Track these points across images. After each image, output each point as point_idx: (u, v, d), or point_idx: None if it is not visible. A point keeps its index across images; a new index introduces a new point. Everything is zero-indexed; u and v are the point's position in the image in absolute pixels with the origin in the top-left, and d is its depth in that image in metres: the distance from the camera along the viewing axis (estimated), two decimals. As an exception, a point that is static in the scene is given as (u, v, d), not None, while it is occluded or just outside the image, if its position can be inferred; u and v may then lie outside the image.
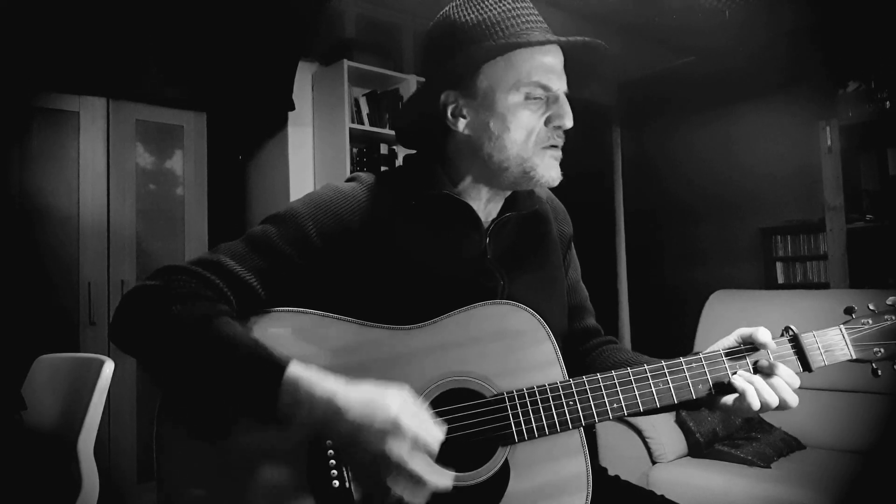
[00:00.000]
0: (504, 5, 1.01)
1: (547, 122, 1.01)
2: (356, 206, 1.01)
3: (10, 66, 2.81)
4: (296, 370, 0.84)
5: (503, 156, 1.01)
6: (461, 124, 1.04)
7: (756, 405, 0.95)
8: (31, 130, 3.01)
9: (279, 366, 0.84)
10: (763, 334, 0.99)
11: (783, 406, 0.97)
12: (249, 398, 0.85)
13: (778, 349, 1.01)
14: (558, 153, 1.03)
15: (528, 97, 0.99)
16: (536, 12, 1.03)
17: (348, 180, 1.07)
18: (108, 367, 1.75)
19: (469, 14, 1.02)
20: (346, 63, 3.60)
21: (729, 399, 0.98)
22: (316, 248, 0.98)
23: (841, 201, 3.56)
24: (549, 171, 1.02)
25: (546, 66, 0.99)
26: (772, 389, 0.97)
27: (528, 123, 1.00)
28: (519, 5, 1.02)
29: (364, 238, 1.00)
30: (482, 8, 1.02)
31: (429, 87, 1.05)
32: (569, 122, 1.01)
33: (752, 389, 0.96)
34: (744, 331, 1.02)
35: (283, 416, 0.83)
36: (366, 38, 3.84)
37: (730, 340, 1.02)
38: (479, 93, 1.01)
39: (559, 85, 1.01)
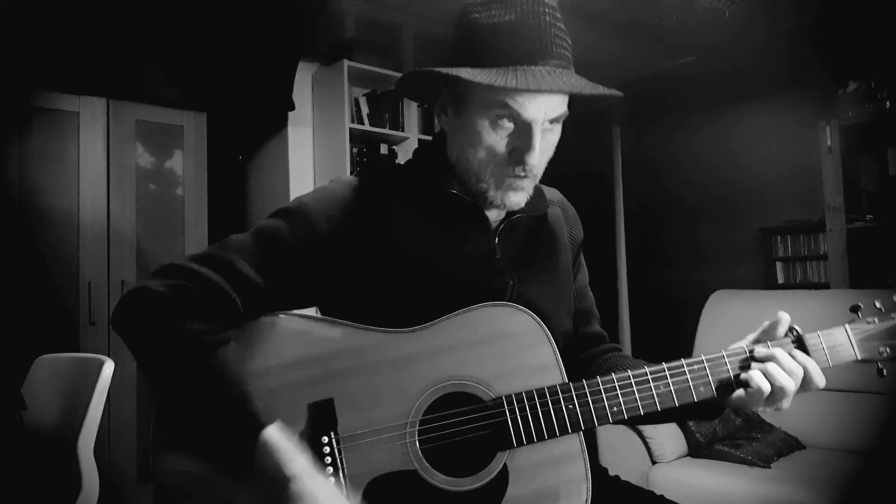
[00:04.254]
0: (511, 16, 0.92)
1: (511, 153, 0.95)
2: (365, 200, 1.00)
3: (10, 66, 2.81)
4: (272, 436, 0.85)
5: (464, 167, 1.00)
6: (443, 121, 1.04)
7: (766, 387, 0.93)
8: (31, 130, 3.01)
9: (257, 427, 0.85)
10: (782, 314, 0.99)
11: (781, 391, 0.94)
12: (224, 442, 0.86)
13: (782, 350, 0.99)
14: (519, 183, 0.97)
15: (495, 122, 0.94)
16: (552, 31, 0.93)
17: (358, 175, 1.05)
18: (108, 367, 1.75)
19: (476, 14, 0.95)
20: (346, 63, 3.61)
21: (739, 390, 0.96)
22: (325, 243, 0.97)
23: (841, 201, 3.56)
24: (504, 196, 0.98)
25: (522, 94, 0.91)
26: (782, 370, 0.94)
27: (490, 147, 0.95)
28: (529, 22, 0.92)
29: (373, 233, 0.98)
30: (490, 13, 0.94)
31: (430, 74, 0.98)
32: (531, 159, 0.94)
33: (759, 374, 0.94)
34: (766, 323, 1.01)
35: (251, 470, 0.85)
36: (366, 38, 3.84)
37: (746, 340, 1.01)
38: (461, 99, 0.98)
39: (533, 115, 0.92)
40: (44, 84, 2.99)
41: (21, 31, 2.81)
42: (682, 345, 2.97)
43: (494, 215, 1.06)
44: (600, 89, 0.93)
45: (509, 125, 0.94)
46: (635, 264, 4.90)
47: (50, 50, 2.89)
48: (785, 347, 0.98)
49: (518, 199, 0.99)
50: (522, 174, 0.97)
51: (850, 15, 3.63)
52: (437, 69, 0.94)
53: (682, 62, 4.40)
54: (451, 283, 0.99)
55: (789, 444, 2.41)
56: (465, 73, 0.91)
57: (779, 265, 4.16)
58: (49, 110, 3.05)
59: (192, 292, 0.90)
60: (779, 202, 4.14)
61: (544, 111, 0.93)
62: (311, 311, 0.99)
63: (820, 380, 0.96)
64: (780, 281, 4.14)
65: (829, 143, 3.58)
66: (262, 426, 0.84)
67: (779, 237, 4.15)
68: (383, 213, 1.00)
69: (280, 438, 0.85)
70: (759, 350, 0.97)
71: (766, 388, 0.93)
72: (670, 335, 3.67)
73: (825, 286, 3.78)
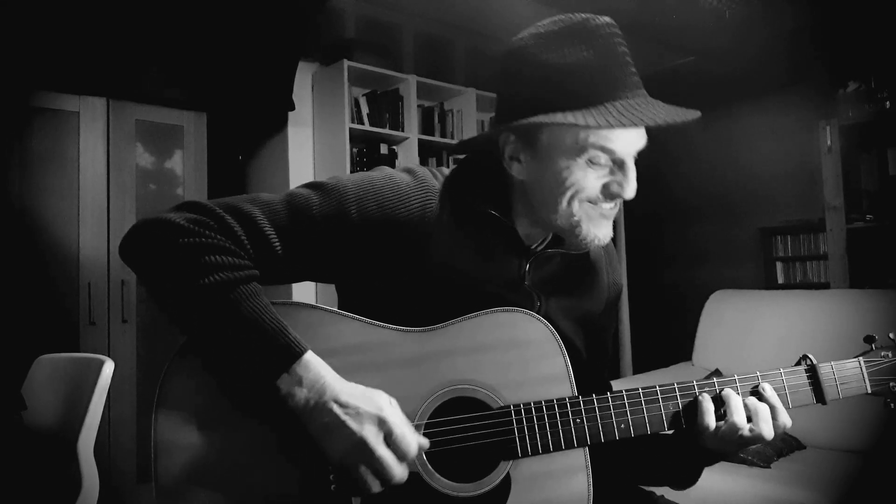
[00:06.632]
0: (590, 53, 0.89)
1: (604, 188, 0.93)
2: (404, 201, 0.97)
3: (10, 66, 2.81)
4: (312, 356, 0.87)
5: (551, 210, 0.95)
6: (515, 169, 0.98)
7: (743, 425, 0.93)
8: (31, 130, 3.01)
9: (300, 346, 0.86)
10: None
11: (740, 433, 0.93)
12: (260, 364, 0.85)
13: (793, 378, 0.98)
14: (611, 213, 0.96)
15: (589, 162, 0.92)
16: (627, 59, 0.92)
17: (404, 171, 1.03)
18: (108, 367, 1.75)
19: (547, 54, 0.91)
20: (346, 63, 3.61)
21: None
22: (351, 230, 0.94)
23: (841, 201, 3.56)
24: (597, 229, 0.95)
25: (615, 132, 0.90)
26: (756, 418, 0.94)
27: (584, 188, 0.92)
28: (609, 55, 0.90)
29: (403, 235, 0.96)
30: (563, 52, 0.90)
31: (529, 125, 0.93)
32: (628, 194, 0.93)
33: (741, 410, 0.93)
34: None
35: (284, 391, 0.85)
36: (366, 38, 3.84)
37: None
38: (540, 146, 0.94)
39: (628, 149, 0.92)
40: (44, 84, 2.99)
41: (21, 31, 2.81)
42: (682, 345, 2.97)
43: (527, 239, 1.04)
44: (690, 114, 0.93)
45: (605, 164, 0.92)
46: (635, 264, 4.90)
47: (50, 50, 2.89)
48: (797, 378, 0.98)
49: (606, 232, 0.97)
50: (616, 207, 0.96)
51: (850, 15, 3.63)
52: (538, 119, 0.90)
53: (682, 62, 4.41)
54: (474, 296, 0.97)
55: (789, 444, 2.41)
56: (570, 117, 0.88)
57: (779, 265, 4.16)
58: (49, 110, 3.05)
59: (214, 230, 0.89)
60: (779, 202, 4.14)
61: (636, 144, 0.93)
62: (312, 293, 0.99)
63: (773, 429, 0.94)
64: (780, 281, 4.14)
65: (829, 143, 3.58)
66: (303, 350, 0.86)
67: (779, 237, 4.15)
68: (420, 217, 0.97)
69: (322, 363, 0.87)
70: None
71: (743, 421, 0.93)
72: (670, 335, 3.67)
73: (825, 286, 3.78)
